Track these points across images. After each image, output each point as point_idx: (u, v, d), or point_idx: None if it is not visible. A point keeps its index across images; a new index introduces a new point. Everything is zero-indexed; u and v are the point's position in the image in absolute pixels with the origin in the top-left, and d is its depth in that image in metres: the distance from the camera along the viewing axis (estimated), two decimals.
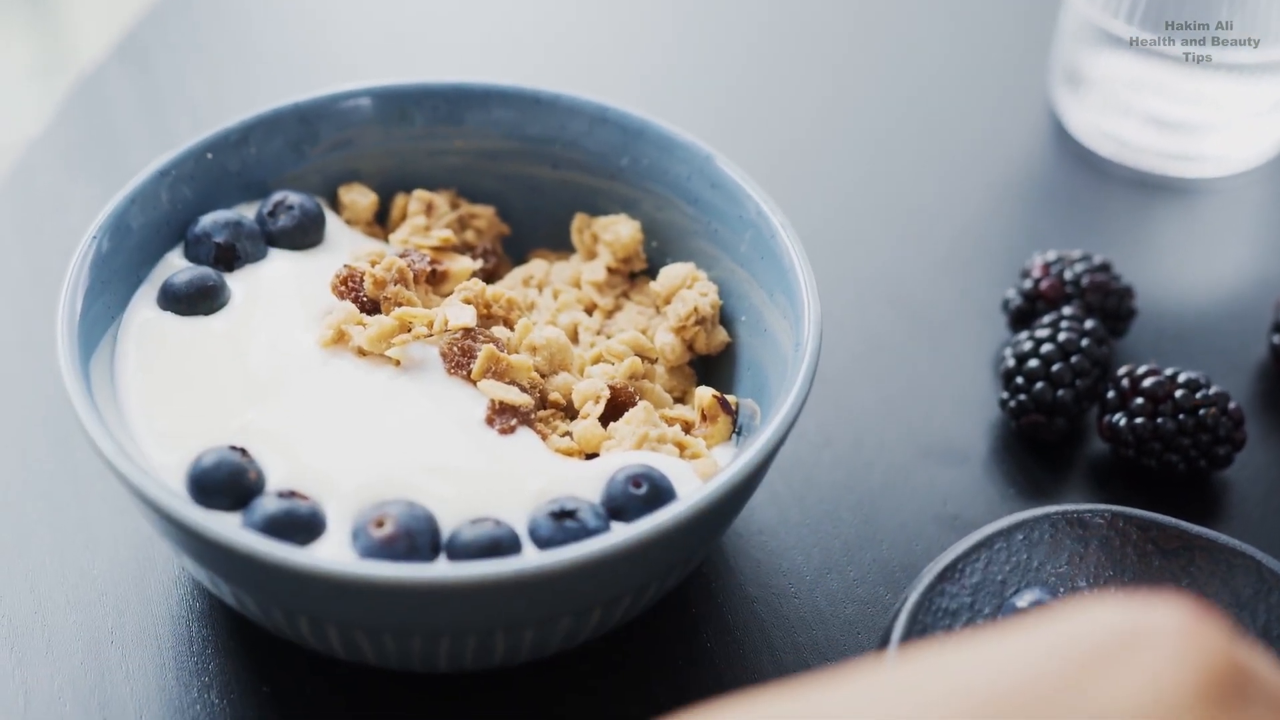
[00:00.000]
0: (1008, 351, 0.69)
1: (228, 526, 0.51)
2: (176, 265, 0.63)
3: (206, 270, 0.62)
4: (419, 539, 0.53)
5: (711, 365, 0.65)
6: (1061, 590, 0.58)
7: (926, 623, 0.55)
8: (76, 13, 1.86)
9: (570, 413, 0.61)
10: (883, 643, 0.54)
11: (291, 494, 0.54)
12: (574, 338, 0.65)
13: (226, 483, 0.54)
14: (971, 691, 0.38)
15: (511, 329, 0.62)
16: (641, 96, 0.88)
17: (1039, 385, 0.67)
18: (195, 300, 0.61)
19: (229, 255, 0.63)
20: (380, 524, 0.53)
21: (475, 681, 0.58)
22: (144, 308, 0.61)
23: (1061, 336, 0.68)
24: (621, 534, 0.51)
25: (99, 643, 0.60)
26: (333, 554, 0.53)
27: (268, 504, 0.54)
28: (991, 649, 0.39)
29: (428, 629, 0.53)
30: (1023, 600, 0.56)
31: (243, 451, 0.55)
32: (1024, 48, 0.93)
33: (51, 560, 0.63)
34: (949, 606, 0.56)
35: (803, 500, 0.67)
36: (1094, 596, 0.42)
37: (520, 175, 0.69)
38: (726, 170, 0.65)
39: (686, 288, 0.64)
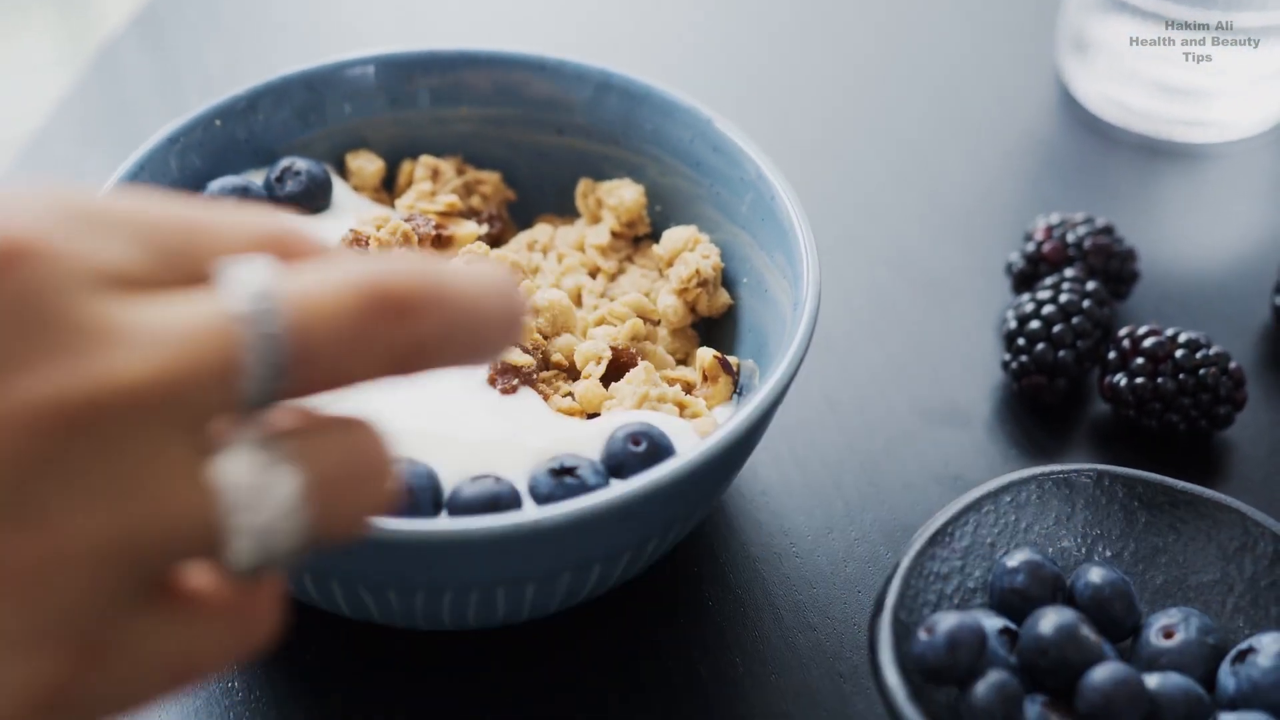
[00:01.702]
0: (1009, 313, 0.70)
1: None
2: None
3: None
4: (420, 495, 0.54)
5: (714, 327, 0.66)
6: (1050, 550, 0.58)
7: (919, 586, 0.55)
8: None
9: (573, 374, 0.62)
10: (876, 608, 0.54)
11: None
12: (577, 301, 0.65)
13: None
14: None
15: None
16: (647, 63, 0.88)
17: (1040, 346, 0.68)
18: None
19: None
20: None
21: (479, 639, 0.59)
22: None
23: (1063, 298, 0.68)
24: (618, 489, 0.52)
25: None
26: None
27: None
28: None
29: (429, 584, 0.53)
30: (1013, 560, 0.56)
31: None
32: (1032, 14, 0.93)
33: None
34: (940, 570, 0.56)
35: (805, 462, 0.67)
36: None
37: (526, 142, 0.70)
38: (727, 133, 0.65)
39: (689, 250, 0.65)
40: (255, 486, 0.35)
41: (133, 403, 0.33)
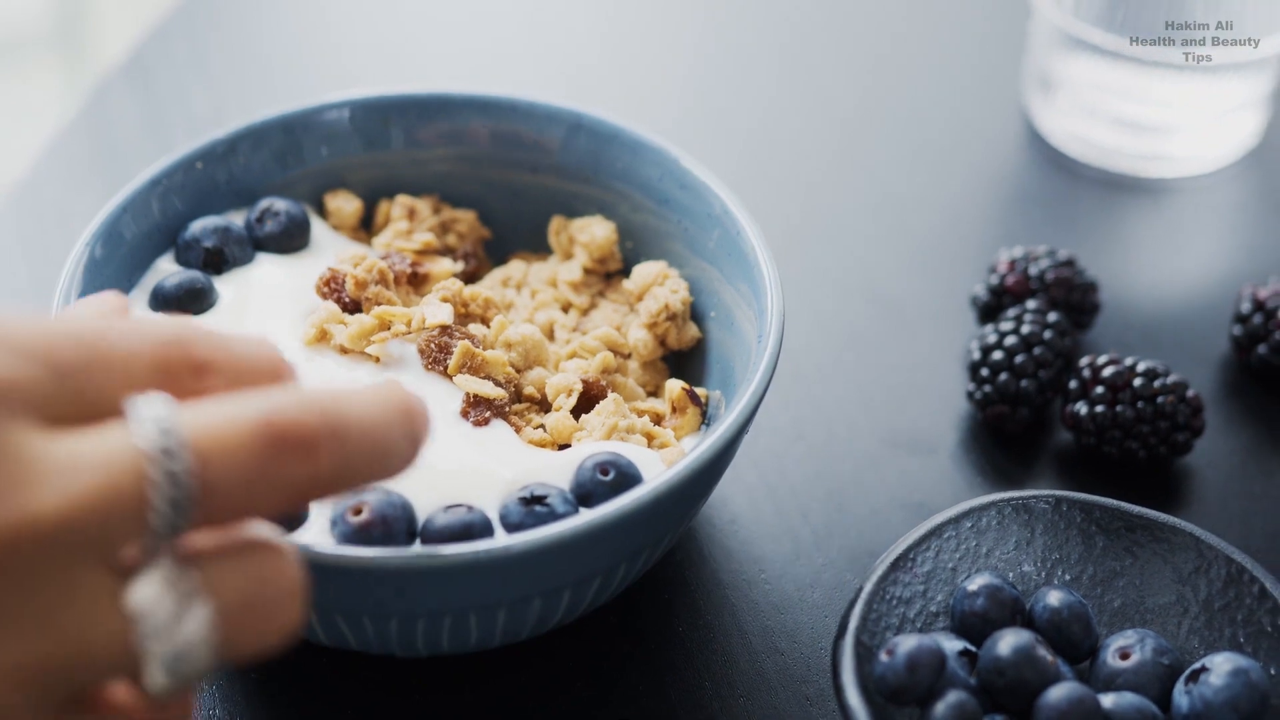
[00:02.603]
0: (974, 344, 0.71)
1: None
2: (167, 270, 0.66)
3: (196, 274, 0.65)
4: (394, 525, 0.55)
5: (684, 360, 0.68)
6: (1011, 575, 0.60)
7: (881, 611, 0.57)
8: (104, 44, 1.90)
9: (544, 406, 0.63)
10: (840, 631, 0.56)
11: None
12: (550, 335, 0.67)
13: None
14: None
15: (489, 327, 0.65)
16: (617, 102, 0.90)
17: (1003, 376, 0.69)
18: (185, 302, 0.64)
19: (217, 259, 0.66)
20: (358, 511, 0.55)
21: (454, 665, 0.61)
22: (135, 310, 0.64)
23: (1025, 329, 0.70)
24: (586, 517, 0.53)
25: None
26: (312, 540, 0.55)
27: None
28: None
29: (404, 611, 0.55)
30: (973, 584, 0.58)
31: None
32: (999, 54, 0.95)
33: None
34: (902, 595, 0.58)
35: (775, 491, 0.69)
36: None
37: (500, 180, 0.72)
38: (693, 170, 0.67)
39: (658, 285, 0.67)
40: (166, 616, 0.37)
41: (48, 537, 0.35)
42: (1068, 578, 0.60)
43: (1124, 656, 0.57)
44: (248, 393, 0.39)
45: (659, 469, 0.59)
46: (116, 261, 0.64)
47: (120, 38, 1.82)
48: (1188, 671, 0.56)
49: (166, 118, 0.90)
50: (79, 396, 0.38)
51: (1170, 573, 0.59)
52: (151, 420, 0.37)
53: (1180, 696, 0.55)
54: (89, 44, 1.92)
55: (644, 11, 1.01)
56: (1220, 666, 0.55)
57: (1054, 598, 0.58)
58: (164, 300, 0.64)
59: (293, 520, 0.56)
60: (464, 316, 0.65)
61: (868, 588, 0.57)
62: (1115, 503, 0.60)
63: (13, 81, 1.88)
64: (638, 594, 0.64)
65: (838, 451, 0.71)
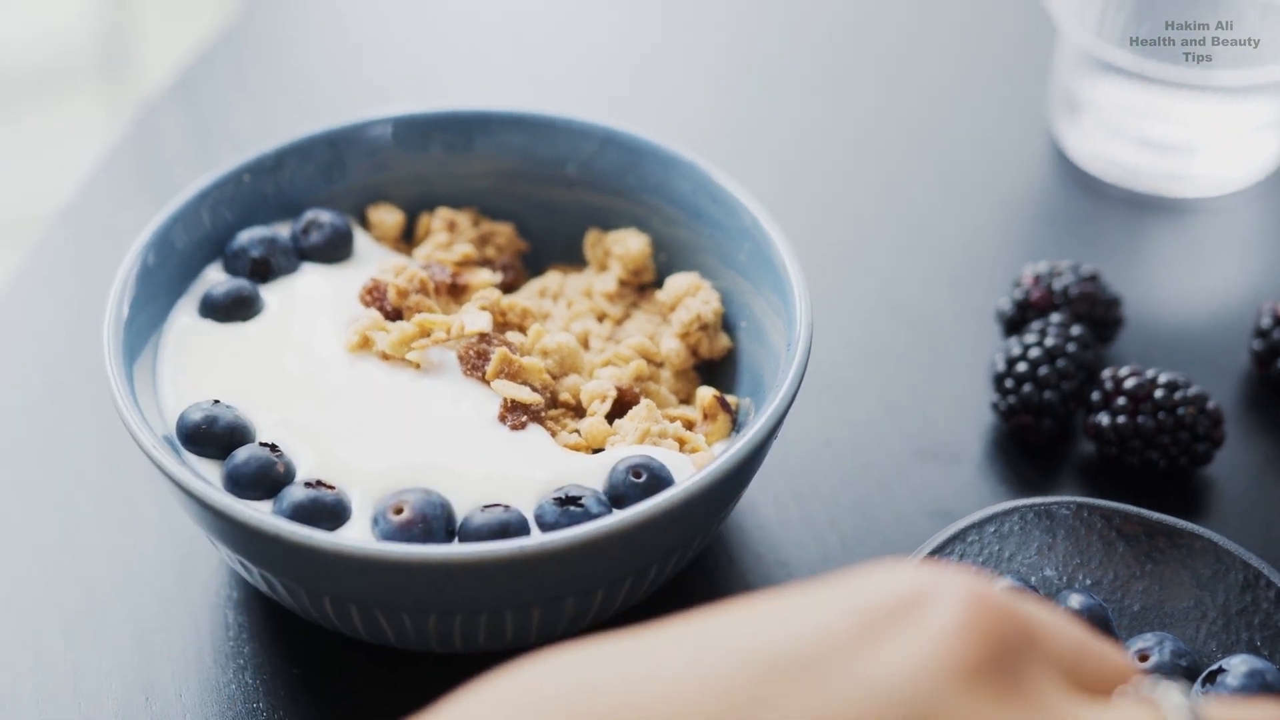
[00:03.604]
0: (998, 356, 0.73)
1: (258, 513, 0.56)
2: (216, 279, 0.68)
3: (243, 282, 0.67)
4: (434, 523, 0.57)
5: (715, 369, 0.69)
6: (1033, 579, 0.61)
7: None
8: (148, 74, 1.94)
9: (579, 412, 0.65)
10: None
11: (318, 484, 0.59)
12: (585, 344, 0.69)
13: (256, 475, 0.59)
14: (744, 652, 0.38)
15: (526, 335, 0.67)
16: (652, 118, 0.92)
17: (1027, 387, 0.71)
18: (232, 309, 0.66)
19: (264, 268, 0.68)
20: (399, 510, 0.57)
21: (491, 663, 0.62)
22: (185, 316, 0.66)
23: (1049, 342, 0.71)
24: (619, 516, 0.55)
25: (144, 630, 0.65)
26: (354, 537, 0.57)
27: (295, 493, 0.58)
28: (771, 609, 0.39)
29: (441, 607, 0.57)
30: (995, 587, 0.59)
31: (272, 448, 0.60)
32: (1026, 77, 0.97)
33: (101, 555, 0.68)
34: None
35: (803, 499, 0.70)
36: (881, 562, 0.43)
37: (537, 195, 0.74)
38: (724, 185, 0.69)
39: (691, 296, 0.69)
40: None
41: None
42: (1089, 582, 0.61)
43: (1143, 658, 0.58)
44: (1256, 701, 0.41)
45: (690, 472, 0.61)
46: (168, 269, 0.67)
47: (163, 65, 1.85)
48: (1205, 673, 0.57)
49: (212, 138, 0.92)
50: (1085, 673, 0.40)
51: (1189, 578, 0.61)
52: (1174, 702, 0.39)
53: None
54: (133, 72, 1.96)
55: (676, 35, 1.04)
56: (1237, 668, 0.56)
57: (1075, 601, 0.59)
58: (213, 307, 0.66)
59: (336, 517, 0.58)
60: (502, 325, 0.67)
61: None
62: (1135, 509, 0.62)
63: (60, 109, 1.92)
64: (669, 596, 0.65)
65: (865, 461, 0.72)
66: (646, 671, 0.38)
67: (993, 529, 0.62)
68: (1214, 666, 0.57)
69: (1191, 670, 0.58)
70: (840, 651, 0.37)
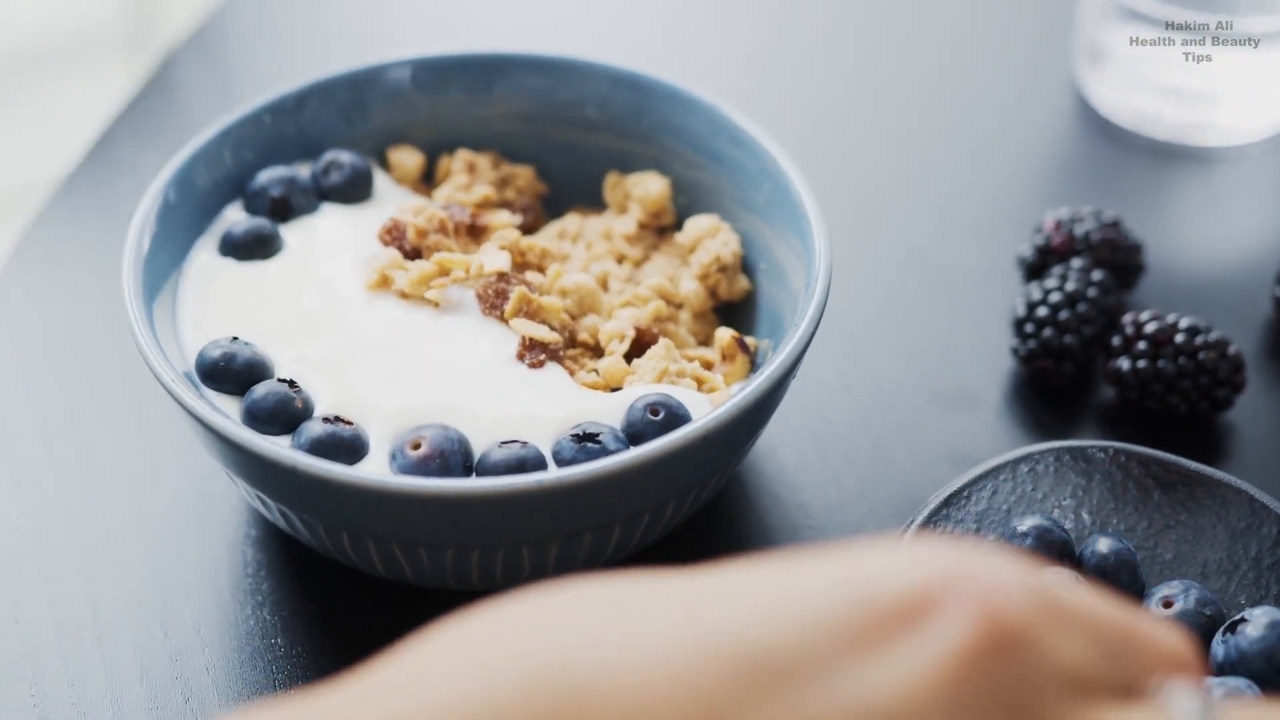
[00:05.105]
0: (1019, 301, 0.73)
1: (276, 446, 0.56)
2: (236, 218, 0.68)
3: (263, 221, 0.67)
4: (451, 459, 0.58)
5: (734, 312, 0.69)
6: (1065, 521, 0.61)
7: None
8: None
9: (598, 352, 0.65)
10: None
11: (336, 419, 0.59)
12: (605, 286, 0.69)
13: (275, 410, 0.59)
14: (728, 648, 0.35)
15: (545, 276, 0.67)
16: (672, 61, 0.92)
17: (1047, 331, 0.71)
18: (252, 247, 0.66)
19: (284, 208, 0.68)
20: (416, 445, 0.58)
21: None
22: (205, 255, 0.66)
23: (1069, 286, 0.71)
24: (635, 452, 0.55)
25: (163, 567, 0.65)
26: (372, 471, 0.57)
27: (313, 428, 0.58)
28: (764, 597, 0.36)
29: (458, 542, 0.57)
30: (1023, 525, 0.59)
31: (291, 384, 0.60)
32: (1050, 24, 0.96)
33: (121, 492, 0.68)
34: (954, 531, 0.60)
35: (821, 441, 0.70)
36: (888, 543, 0.39)
37: (557, 138, 0.74)
38: (744, 126, 0.69)
39: (710, 238, 0.69)
40: None
41: None
42: (1122, 528, 0.61)
43: (1167, 605, 0.58)
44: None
45: (707, 410, 0.61)
46: (189, 208, 0.67)
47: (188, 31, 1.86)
48: (1227, 623, 0.57)
49: (235, 82, 0.92)
50: (1115, 677, 0.37)
51: (1223, 529, 0.60)
52: (1191, 709, 0.36)
53: (1217, 646, 0.57)
54: (159, 45, 1.96)
55: None
56: (1259, 619, 0.56)
57: (1103, 544, 0.59)
58: (233, 245, 0.66)
59: (354, 451, 0.58)
60: (521, 265, 0.67)
61: (918, 521, 0.59)
62: (1174, 458, 0.62)
63: (86, 80, 1.92)
64: (686, 535, 0.65)
65: (884, 404, 0.72)
66: (622, 657, 0.35)
67: (1026, 469, 0.62)
68: (1236, 617, 0.57)
69: (1215, 619, 0.57)
70: (830, 659, 0.34)
